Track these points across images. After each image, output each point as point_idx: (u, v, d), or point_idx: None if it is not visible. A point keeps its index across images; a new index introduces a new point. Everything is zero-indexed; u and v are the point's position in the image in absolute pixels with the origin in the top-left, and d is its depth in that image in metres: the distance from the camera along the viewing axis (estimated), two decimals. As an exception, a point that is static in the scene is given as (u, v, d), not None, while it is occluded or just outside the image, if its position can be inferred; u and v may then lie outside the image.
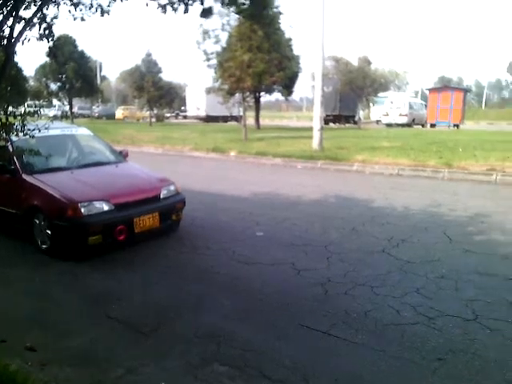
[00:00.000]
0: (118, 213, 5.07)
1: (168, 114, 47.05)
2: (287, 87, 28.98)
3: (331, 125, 32.05)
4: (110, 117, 44.89)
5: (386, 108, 32.52)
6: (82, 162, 6.13)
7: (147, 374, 2.81)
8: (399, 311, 3.61)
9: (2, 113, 3.55)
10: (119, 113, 46.66)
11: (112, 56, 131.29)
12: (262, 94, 28.75)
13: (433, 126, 29.74)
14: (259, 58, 17.75)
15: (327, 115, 28.65)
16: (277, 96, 34.06)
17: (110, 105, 54.88)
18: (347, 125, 33.62)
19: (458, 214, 6.74)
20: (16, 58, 3.60)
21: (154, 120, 34.63)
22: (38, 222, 5.15)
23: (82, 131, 6.92)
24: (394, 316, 3.54)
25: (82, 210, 4.86)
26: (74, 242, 4.93)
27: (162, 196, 5.63)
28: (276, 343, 3.18)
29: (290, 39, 26.70)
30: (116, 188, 5.44)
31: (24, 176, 5.37)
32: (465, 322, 3.43)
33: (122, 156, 6.69)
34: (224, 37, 20.80)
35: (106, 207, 5.03)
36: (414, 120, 31.61)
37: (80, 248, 4.97)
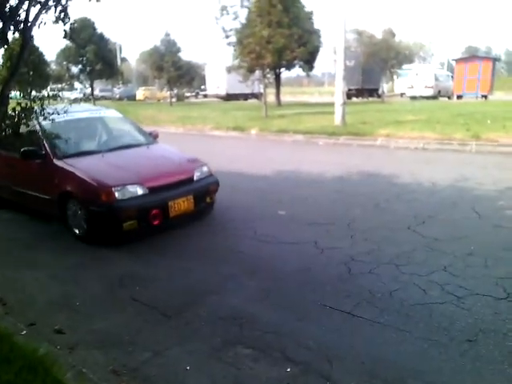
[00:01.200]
0: (152, 196, 4.92)
1: (188, 94, 47.06)
2: (308, 62, 28.40)
3: (354, 99, 31.38)
4: (131, 98, 45.15)
5: (411, 80, 31.54)
6: (112, 144, 5.96)
7: (172, 358, 2.82)
8: (426, 290, 3.52)
9: (27, 97, 3.57)
10: (140, 94, 46.88)
11: (131, 37, 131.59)
12: (283, 70, 28.26)
13: (459, 97, 28.71)
14: (279, 34, 17.38)
15: (349, 89, 27.99)
16: (298, 72, 33.47)
17: (130, 86, 55.10)
18: (370, 99, 32.89)
19: (487, 188, 6.50)
20: (37, 43, 3.59)
21: (174, 100, 34.69)
22: (71, 207, 5.07)
23: (110, 113, 6.77)
24: (420, 295, 3.45)
25: (116, 195, 4.74)
26: (109, 227, 4.82)
27: (195, 178, 5.44)
28: (299, 324, 3.15)
29: (310, 12, 26.02)
30: (149, 171, 5.27)
31: (55, 161, 5.26)
32: (495, 300, 3.32)
33: (152, 137, 6.54)
34: (243, 13, 20.40)
35: (140, 191, 4.89)
36: (439, 92, 30.61)
37: (115, 234, 4.87)
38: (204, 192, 5.46)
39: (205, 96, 45.15)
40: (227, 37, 21.29)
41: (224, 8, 20.03)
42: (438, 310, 3.23)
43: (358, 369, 2.64)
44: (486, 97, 27.43)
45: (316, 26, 27.35)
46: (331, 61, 33.67)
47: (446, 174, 7.51)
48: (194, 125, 16.71)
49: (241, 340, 2.97)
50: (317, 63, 29.97)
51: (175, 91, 37.29)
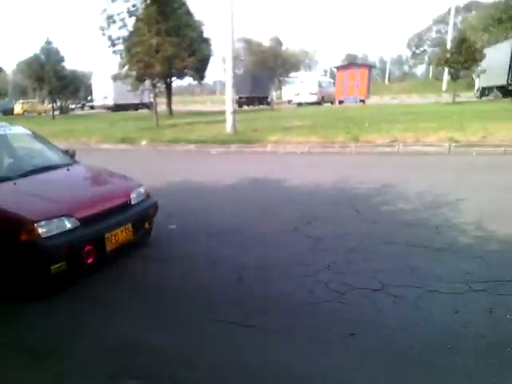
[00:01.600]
0: (84, 229, 3.99)
1: (73, 106, 44.44)
2: (199, 71, 28.54)
3: (245, 107, 32.19)
4: (8, 112, 41.11)
5: (297, 88, 33.33)
6: (25, 168, 4.80)
7: (43, 402, 2.52)
8: (312, 290, 3.62)
9: None
10: (18, 107, 42.97)
11: (8, 46, 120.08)
12: (174, 79, 28.00)
13: (341, 102, 31.05)
14: (168, 42, 17.10)
15: (240, 97, 28.72)
16: (189, 80, 33.49)
17: (7, 99, 50.36)
18: (260, 106, 34.02)
19: (366, 186, 7.01)
20: None
21: (57, 113, 32.37)
22: None
23: (17, 130, 5.58)
24: (307, 296, 3.54)
25: (40, 231, 3.72)
26: (32, 274, 3.79)
27: (132, 202, 4.65)
28: (190, 345, 3.02)
29: (195, 20, 26.09)
30: (77, 198, 4.33)
31: None
32: (373, 292, 3.53)
33: (70, 156, 5.56)
34: (130, 21, 19.71)
35: (68, 224, 3.91)
36: (323, 98, 32.78)
37: (40, 281, 3.85)
38: (143, 217, 4.73)
39: (91, 107, 42.97)
40: (114, 45, 20.42)
41: (110, 17, 19.15)
42: (324, 308, 3.34)
43: (247, 382, 2.61)
44: (363, 101, 30.02)
45: (206, 35, 27.62)
46: (222, 69, 34.19)
47: (329, 175, 7.96)
48: (77, 138, 15.65)
49: (127, 371, 2.74)
50: (208, 72, 30.32)
51: (58, 103, 34.85)
